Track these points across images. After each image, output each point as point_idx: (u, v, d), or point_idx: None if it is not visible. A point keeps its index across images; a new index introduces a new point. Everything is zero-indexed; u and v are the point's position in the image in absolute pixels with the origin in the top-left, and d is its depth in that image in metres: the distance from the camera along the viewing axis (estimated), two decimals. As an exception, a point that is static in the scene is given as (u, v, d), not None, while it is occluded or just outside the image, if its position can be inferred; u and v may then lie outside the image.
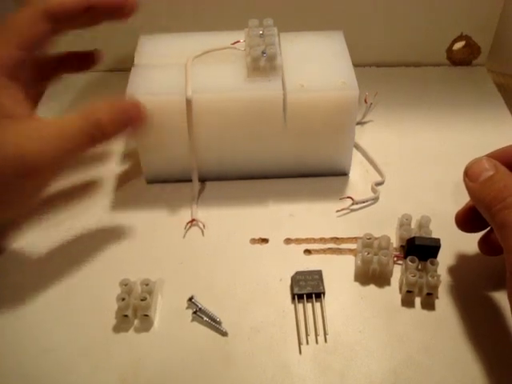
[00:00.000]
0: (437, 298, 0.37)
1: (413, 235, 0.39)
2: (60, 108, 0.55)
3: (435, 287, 0.37)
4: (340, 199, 0.44)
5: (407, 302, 0.37)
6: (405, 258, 0.38)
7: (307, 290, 0.37)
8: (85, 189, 0.45)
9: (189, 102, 0.41)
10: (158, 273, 0.39)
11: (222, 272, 0.40)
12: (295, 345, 0.35)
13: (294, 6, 0.54)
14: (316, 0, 0.54)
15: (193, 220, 0.43)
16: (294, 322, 0.36)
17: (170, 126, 0.43)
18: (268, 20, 0.45)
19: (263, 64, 0.42)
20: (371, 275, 0.39)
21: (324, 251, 0.41)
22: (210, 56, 0.44)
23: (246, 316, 0.37)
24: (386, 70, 0.59)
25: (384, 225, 0.42)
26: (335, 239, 0.42)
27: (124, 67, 0.47)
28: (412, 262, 0.38)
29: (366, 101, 0.51)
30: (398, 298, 0.38)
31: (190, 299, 0.37)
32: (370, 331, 0.36)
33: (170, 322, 0.36)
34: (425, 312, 0.37)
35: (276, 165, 0.46)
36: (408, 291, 0.37)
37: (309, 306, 0.37)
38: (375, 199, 0.45)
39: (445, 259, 0.39)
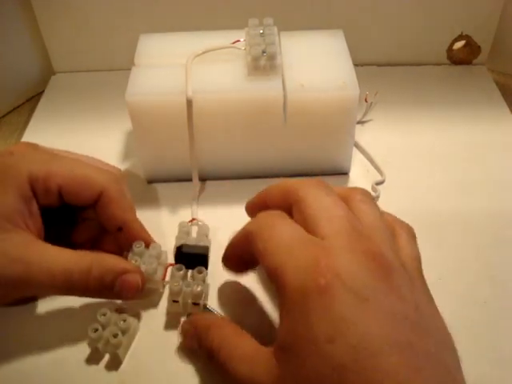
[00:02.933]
0: (205, 305, 0.36)
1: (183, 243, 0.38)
2: (60, 108, 0.55)
3: (199, 296, 0.36)
4: (340, 199, 0.44)
5: (173, 312, 0.36)
6: None
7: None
8: None
9: (189, 102, 0.41)
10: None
11: (221, 272, 0.39)
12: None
13: (294, 5, 0.54)
14: (316, 0, 0.54)
15: (193, 219, 0.43)
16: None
17: (170, 125, 0.43)
18: (268, 19, 0.45)
19: (263, 63, 0.42)
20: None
21: (324, 251, 0.41)
22: (210, 55, 0.44)
23: (246, 316, 0.37)
24: (386, 69, 0.59)
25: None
26: (335, 239, 0.42)
27: (124, 67, 0.47)
28: (178, 270, 0.36)
29: (366, 100, 0.51)
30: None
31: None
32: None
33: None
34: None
35: (276, 164, 0.46)
36: (174, 301, 0.36)
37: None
38: (375, 198, 0.45)
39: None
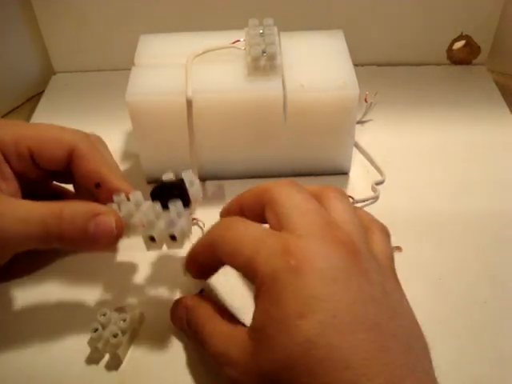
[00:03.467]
0: (201, 290, 0.37)
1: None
2: (60, 108, 0.55)
3: (172, 225, 0.33)
4: (340, 199, 0.44)
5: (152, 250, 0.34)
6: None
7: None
8: None
9: (189, 102, 0.41)
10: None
11: (222, 271, 0.39)
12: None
13: (294, 5, 0.54)
14: (316, 0, 0.54)
15: (193, 219, 0.43)
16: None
17: (170, 125, 0.43)
18: (268, 19, 0.45)
19: (263, 63, 0.42)
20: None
21: (324, 251, 0.41)
22: (210, 55, 0.44)
23: (246, 316, 0.37)
24: (386, 69, 0.59)
25: (384, 224, 0.42)
26: (335, 239, 0.42)
27: (124, 67, 0.47)
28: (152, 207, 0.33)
29: (366, 100, 0.51)
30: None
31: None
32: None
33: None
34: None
35: (276, 164, 0.46)
36: (150, 237, 0.33)
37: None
38: (375, 198, 0.45)
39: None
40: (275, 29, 0.45)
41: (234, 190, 0.45)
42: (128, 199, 0.34)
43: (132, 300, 0.38)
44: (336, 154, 0.46)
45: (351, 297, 0.26)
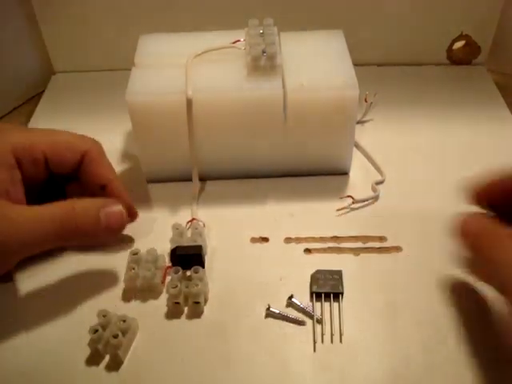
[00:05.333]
0: (205, 305, 0.37)
1: (179, 244, 0.39)
2: (60, 108, 0.55)
3: (198, 295, 0.36)
4: (340, 198, 0.44)
5: (175, 313, 0.37)
6: None
7: (326, 289, 0.37)
8: None
9: (189, 102, 0.41)
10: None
11: (222, 271, 0.40)
12: (296, 344, 0.35)
13: (294, 5, 0.54)
14: (316, 0, 0.54)
15: (193, 219, 0.43)
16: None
17: (170, 125, 0.43)
18: (268, 19, 0.45)
19: (263, 63, 0.42)
20: (140, 289, 0.38)
21: (324, 250, 0.41)
22: (210, 55, 0.44)
23: (247, 316, 0.37)
24: (386, 69, 0.59)
25: (384, 224, 0.42)
26: (335, 238, 0.42)
27: (124, 67, 0.47)
28: (175, 272, 0.37)
29: (366, 100, 0.51)
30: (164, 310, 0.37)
31: (290, 298, 0.37)
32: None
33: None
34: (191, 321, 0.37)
35: (276, 164, 0.46)
36: (175, 302, 0.37)
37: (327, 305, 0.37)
38: (375, 198, 0.45)
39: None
40: (275, 29, 0.45)
41: (234, 189, 0.46)
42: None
43: (132, 300, 0.38)
44: (336, 154, 0.46)
45: None
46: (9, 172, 0.37)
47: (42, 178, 0.40)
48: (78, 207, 0.35)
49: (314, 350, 0.35)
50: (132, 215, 0.41)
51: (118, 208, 0.37)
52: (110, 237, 0.38)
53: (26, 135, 0.39)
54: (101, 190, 0.40)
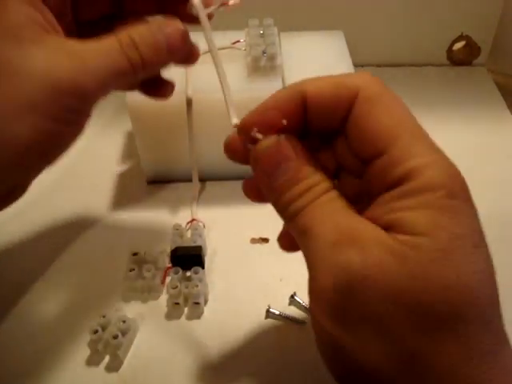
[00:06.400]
0: (205, 305, 0.37)
1: (179, 245, 0.39)
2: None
3: (197, 296, 0.36)
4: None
5: (174, 313, 0.37)
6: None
7: None
8: None
9: (189, 102, 0.41)
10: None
11: (222, 272, 0.40)
12: (296, 344, 0.35)
13: (294, 5, 0.54)
14: (316, 0, 0.54)
15: (193, 220, 0.43)
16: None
17: (169, 126, 0.43)
18: (268, 20, 0.45)
19: (263, 64, 0.42)
20: (140, 290, 0.38)
21: (324, 251, 0.41)
22: (210, 56, 0.44)
23: (247, 316, 0.37)
24: (386, 69, 0.59)
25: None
26: (335, 239, 0.42)
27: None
28: (175, 273, 0.37)
29: None
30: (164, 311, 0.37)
31: (292, 296, 0.37)
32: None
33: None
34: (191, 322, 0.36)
35: (276, 164, 0.46)
36: (175, 303, 0.36)
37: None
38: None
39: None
40: (275, 29, 0.45)
41: (234, 190, 0.45)
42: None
43: (131, 301, 0.38)
44: (336, 154, 0.46)
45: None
46: (34, 6, 0.28)
47: (69, 17, 0.32)
48: (135, 36, 0.29)
49: (315, 350, 0.34)
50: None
51: (174, 24, 0.31)
52: (177, 58, 0.32)
53: None
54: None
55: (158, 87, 0.35)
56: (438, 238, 0.22)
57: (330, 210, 0.24)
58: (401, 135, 0.25)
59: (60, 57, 0.27)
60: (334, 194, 0.25)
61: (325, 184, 0.25)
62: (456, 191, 0.23)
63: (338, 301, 0.22)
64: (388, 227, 0.23)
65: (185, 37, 0.31)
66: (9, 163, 0.26)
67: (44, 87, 0.26)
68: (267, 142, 0.26)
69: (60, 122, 0.27)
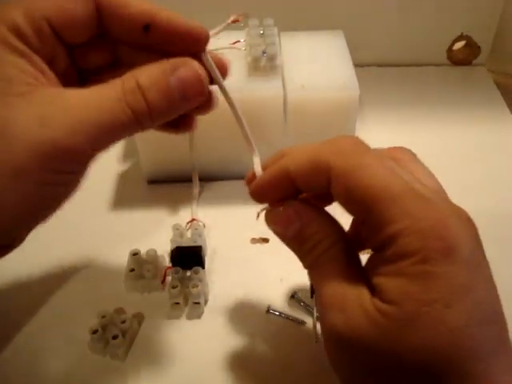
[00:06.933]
0: (205, 305, 0.37)
1: (179, 245, 0.38)
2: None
3: (197, 296, 0.36)
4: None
5: (174, 313, 0.37)
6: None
7: None
8: None
9: (189, 102, 0.41)
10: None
11: (222, 272, 0.40)
12: (296, 344, 0.35)
13: (294, 5, 0.54)
14: (316, 0, 0.54)
15: (193, 220, 0.43)
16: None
17: (170, 125, 0.43)
18: (268, 19, 0.45)
19: (263, 64, 0.42)
20: (141, 291, 0.38)
21: (324, 251, 0.41)
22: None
23: (247, 316, 0.37)
24: (386, 69, 0.59)
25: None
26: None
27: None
28: (175, 273, 0.37)
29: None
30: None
31: (293, 296, 0.37)
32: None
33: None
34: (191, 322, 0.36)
35: (276, 164, 0.46)
36: (175, 303, 0.36)
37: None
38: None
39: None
40: (275, 29, 0.45)
41: (234, 190, 0.46)
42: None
43: (131, 301, 0.38)
44: (336, 154, 0.46)
45: (487, 283, 0.25)
46: (24, 56, 0.26)
47: (63, 62, 0.29)
48: (143, 80, 0.26)
49: (315, 350, 0.35)
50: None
51: (190, 65, 0.28)
52: (192, 105, 0.29)
53: (19, 5, 0.27)
54: (145, 31, 0.28)
55: (178, 123, 0.33)
56: (405, 307, 0.23)
57: (328, 272, 0.27)
58: (377, 201, 0.24)
59: (50, 114, 0.25)
60: (335, 250, 0.27)
61: (327, 241, 0.27)
62: (431, 255, 0.24)
63: (332, 351, 0.26)
64: (374, 289, 0.25)
65: (202, 81, 0.28)
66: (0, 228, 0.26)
67: (32, 151, 0.24)
68: (274, 211, 0.30)
69: (50, 185, 0.26)
